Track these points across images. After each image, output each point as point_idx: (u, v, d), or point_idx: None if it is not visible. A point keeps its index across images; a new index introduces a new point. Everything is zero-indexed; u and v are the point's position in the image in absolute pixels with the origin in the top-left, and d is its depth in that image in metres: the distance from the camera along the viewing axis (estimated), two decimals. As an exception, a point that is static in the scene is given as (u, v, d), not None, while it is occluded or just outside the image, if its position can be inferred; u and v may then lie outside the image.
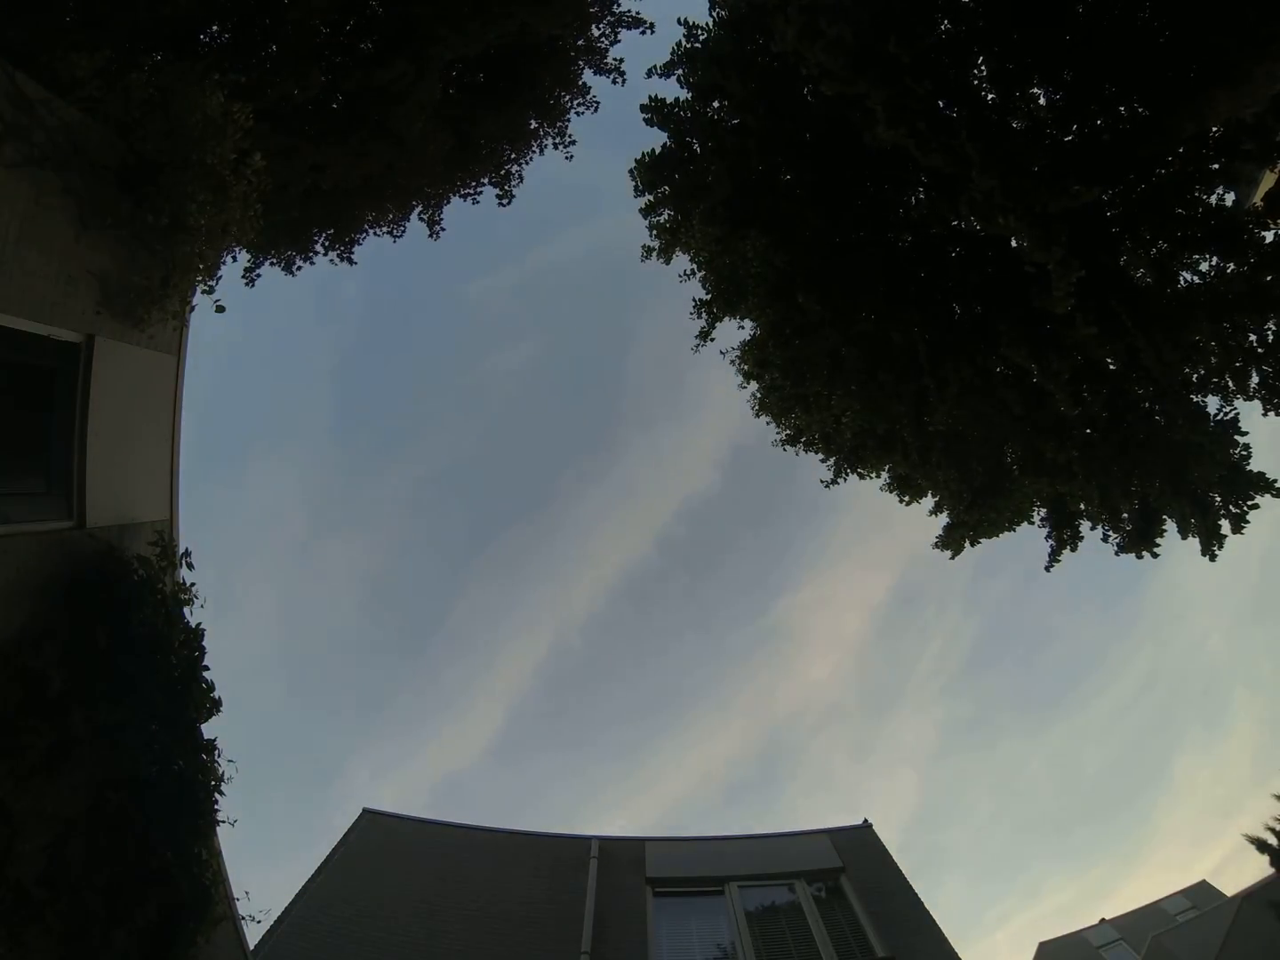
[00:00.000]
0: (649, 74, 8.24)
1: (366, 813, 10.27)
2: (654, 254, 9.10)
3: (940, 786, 44.85)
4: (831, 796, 42.49)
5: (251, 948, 6.06)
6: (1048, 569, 9.20)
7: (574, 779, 37.43)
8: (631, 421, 32.92)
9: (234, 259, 9.48)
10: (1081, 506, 8.75)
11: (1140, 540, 8.31)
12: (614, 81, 9.90)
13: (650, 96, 8.13)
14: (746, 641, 38.43)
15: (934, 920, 8.16)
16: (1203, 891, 22.53)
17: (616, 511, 33.48)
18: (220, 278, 5.51)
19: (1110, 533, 8.63)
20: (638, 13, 9.63)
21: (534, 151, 10.59)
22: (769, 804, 40.13)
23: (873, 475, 10.00)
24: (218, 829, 4.81)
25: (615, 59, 9.86)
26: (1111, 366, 7.73)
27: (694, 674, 37.95)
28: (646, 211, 8.84)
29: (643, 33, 9.66)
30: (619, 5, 9.61)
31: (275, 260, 10.38)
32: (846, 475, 9.97)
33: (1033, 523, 9.38)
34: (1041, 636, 42.55)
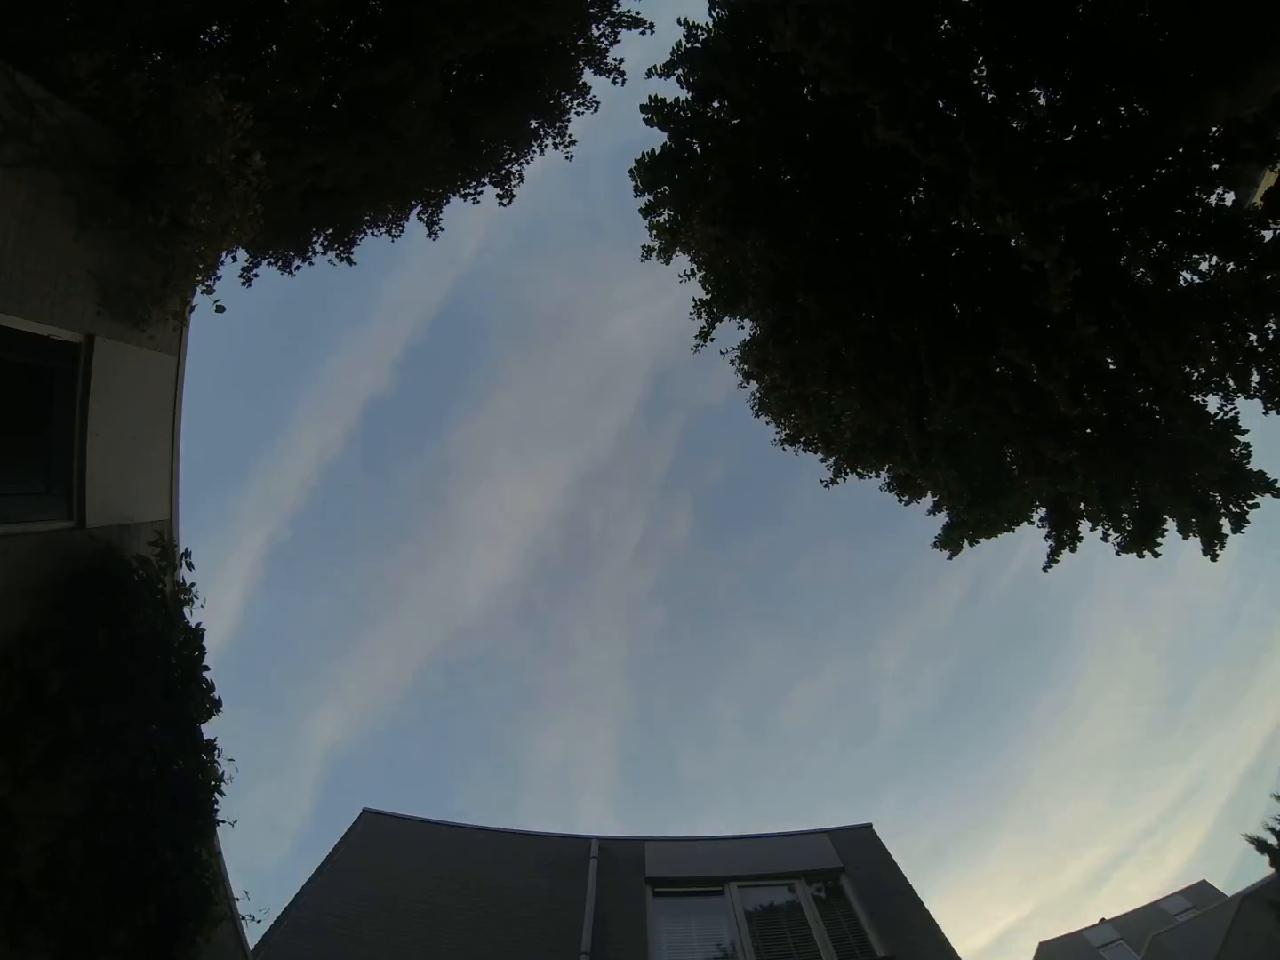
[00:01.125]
0: (649, 74, 8.26)
1: (366, 813, 10.26)
2: (654, 254, 9.11)
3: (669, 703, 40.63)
4: (540, 704, 39.41)
5: (251, 948, 6.07)
6: (1046, 569, 9.20)
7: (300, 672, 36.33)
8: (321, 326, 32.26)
9: (233, 259, 9.49)
10: (1082, 506, 8.75)
11: (1141, 540, 8.32)
12: (614, 82, 9.91)
13: (650, 96, 8.15)
14: (417, 534, 36.55)
15: (934, 920, 8.17)
16: (1203, 891, 22.54)
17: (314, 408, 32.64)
18: (220, 277, 5.53)
19: (1110, 532, 8.64)
20: (638, 13, 9.62)
21: (534, 151, 10.59)
22: (457, 717, 37.75)
23: (873, 475, 10.01)
24: (218, 829, 4.82)
25: (615, 59, 9.87)
26: (1111, 366, 7.73)
27: (376, 575, 36.61)
28: (646, 211, 8.83)
29: (643, 33, 9.66)
30: (619, 5, 9.60)
31: (274, 260, 10.38)
32: (846, 475, 9.97)
33: (1032, 522, 9.38)
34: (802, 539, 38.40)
